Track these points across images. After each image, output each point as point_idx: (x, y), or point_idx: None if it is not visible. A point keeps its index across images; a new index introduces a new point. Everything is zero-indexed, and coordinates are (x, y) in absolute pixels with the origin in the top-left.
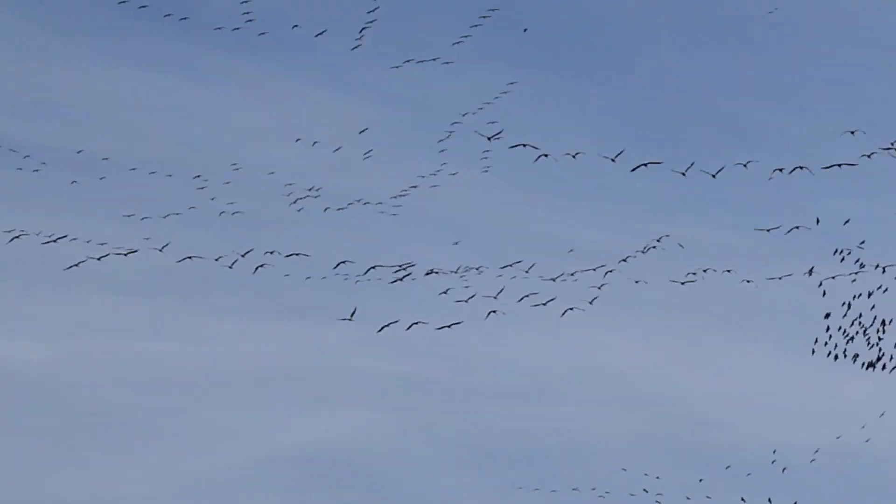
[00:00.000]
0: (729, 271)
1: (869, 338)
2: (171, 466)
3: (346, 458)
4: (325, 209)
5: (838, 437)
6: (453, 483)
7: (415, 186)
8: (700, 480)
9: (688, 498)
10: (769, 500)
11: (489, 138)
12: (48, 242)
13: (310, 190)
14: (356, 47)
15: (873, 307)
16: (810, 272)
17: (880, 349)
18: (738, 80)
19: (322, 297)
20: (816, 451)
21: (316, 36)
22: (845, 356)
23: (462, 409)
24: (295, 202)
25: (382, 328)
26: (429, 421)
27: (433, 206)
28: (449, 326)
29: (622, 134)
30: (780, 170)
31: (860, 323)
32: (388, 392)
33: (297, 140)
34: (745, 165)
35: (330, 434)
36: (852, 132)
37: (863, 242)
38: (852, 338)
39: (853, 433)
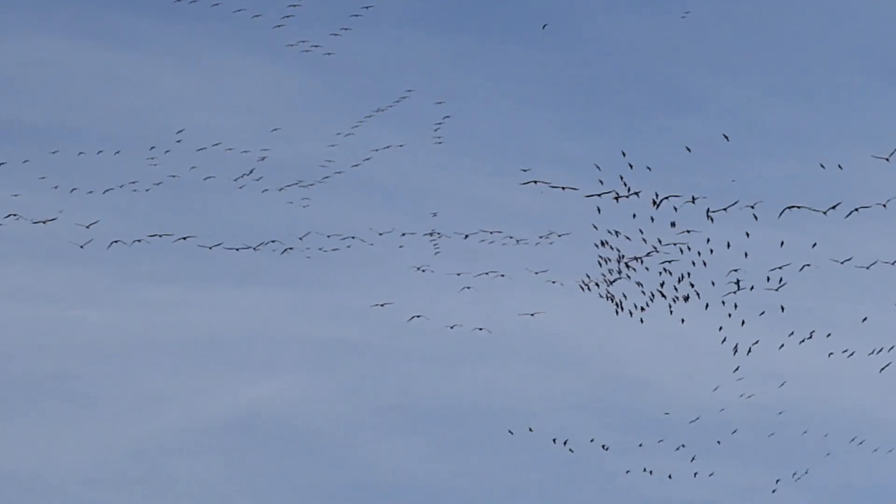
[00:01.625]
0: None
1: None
2: (108, 434)
3: (282, 423)
4: (264, 191)
5: (750, 396)
6: (389, 445)
7: (368, 158)
8: (640, 446)
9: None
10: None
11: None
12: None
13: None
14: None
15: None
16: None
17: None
18: (675, 45)
19: (256, 263)
20: (722, 410)
21: (252, 18)
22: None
23: (397, 372)
24: (241, 177)
25: (412, 317)
26: (364, 384)
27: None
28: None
29: (561, 99)
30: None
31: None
32: (323, 357)
33: (274, 130)
34: (752, 207)
35: (266, 399)
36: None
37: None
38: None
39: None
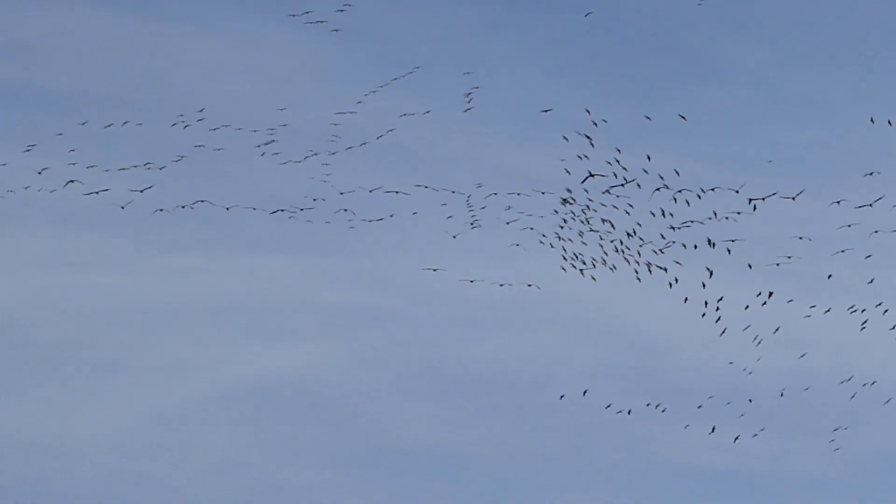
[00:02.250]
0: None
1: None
2: (130, 401)
3: (304, 390)
4: (284, 162)
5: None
6: (411, 412)
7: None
8: (663, 410)
9: (655, 406)
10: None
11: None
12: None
13: (271, 133)
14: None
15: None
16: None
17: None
18: (701, 12)
19: (279, 230)
20: (749, 374)
21: None
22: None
23: (420, 339)
24: (266, 144)
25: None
26: (387, 352)
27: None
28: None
29: (583, 65)
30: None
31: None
32: (346, 324)
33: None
34: (793, 199)
35: (289, 366)
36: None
37: None
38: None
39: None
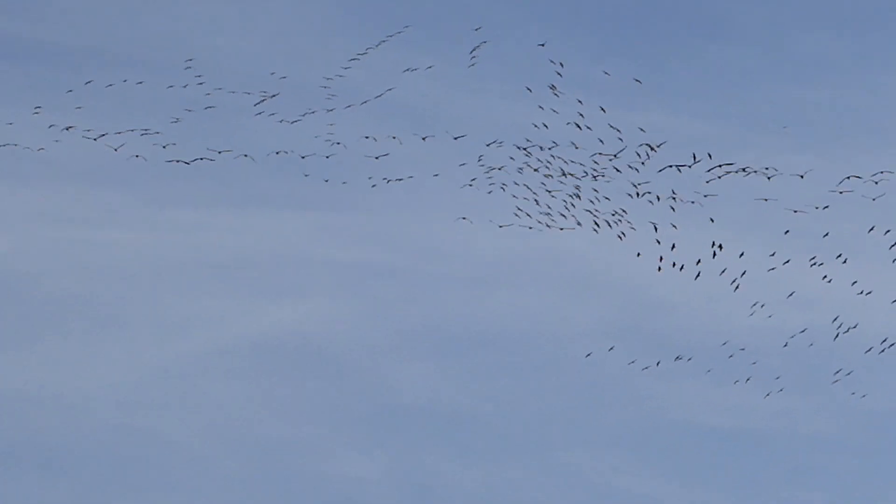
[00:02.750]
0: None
1: None
2: (132, 355)
3: (307, 347)
4: (281, 120)
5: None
6: (415, 369)
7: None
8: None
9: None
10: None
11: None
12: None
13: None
14: None
15: None
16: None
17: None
18: None
19: (282, 185)
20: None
21: None
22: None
23: (424, 296)
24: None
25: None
26: (390, 308)
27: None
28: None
29: (589, 24)
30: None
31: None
32: (349, 280)
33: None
34: (801, 176)
35: (291, 322)
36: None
37: None
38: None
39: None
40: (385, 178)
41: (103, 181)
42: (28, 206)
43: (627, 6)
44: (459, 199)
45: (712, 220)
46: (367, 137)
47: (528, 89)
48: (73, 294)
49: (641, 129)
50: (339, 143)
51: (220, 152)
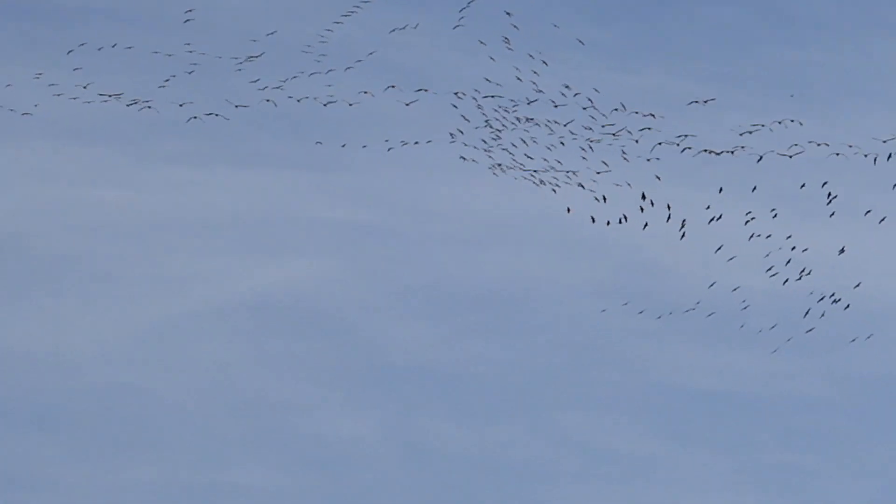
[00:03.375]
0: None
1: None
2: (127, 314)
3: (302, 305)
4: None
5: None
6: (409, 329)
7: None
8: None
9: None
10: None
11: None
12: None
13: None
14: None
15: None
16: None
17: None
18: None
19: (277, 144)
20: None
21: None
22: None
23: (418, 255)
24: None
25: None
26: (385, 268)
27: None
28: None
29: None
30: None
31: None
32: (344, 239)
33: None
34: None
35: (286, 281)
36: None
37: None
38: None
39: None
40: (402, 141)
41: (95, 139)
42: (18, 165)
43: None
44: (455, 160)
45: (658, 178)
46: (364, 93)
47: (482, 42)
48: (66, 253)
49: (596, 90)
50: (365, 94)
51: (211, 113)
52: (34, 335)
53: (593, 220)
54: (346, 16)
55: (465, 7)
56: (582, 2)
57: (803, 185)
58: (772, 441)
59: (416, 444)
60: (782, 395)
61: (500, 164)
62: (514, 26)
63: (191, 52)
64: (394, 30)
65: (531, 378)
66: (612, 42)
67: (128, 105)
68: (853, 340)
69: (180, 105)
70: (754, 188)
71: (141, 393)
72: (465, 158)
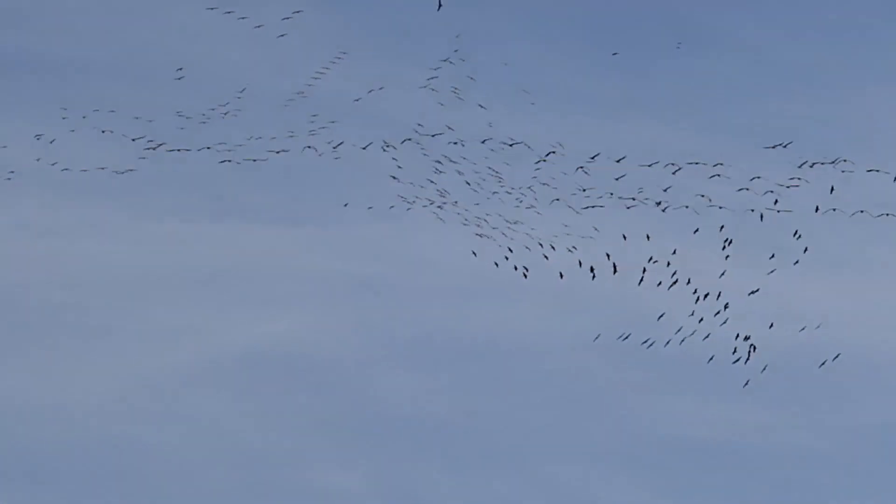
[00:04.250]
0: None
1: None
2: (119, 366)
3: (294, 358)
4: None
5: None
6: (402, 381)
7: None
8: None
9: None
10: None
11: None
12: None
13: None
14: None
15: None
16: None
17: None
18: None
19: (267, 197)
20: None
21: None
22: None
23: (410, 307)
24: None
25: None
26: (377, 320)
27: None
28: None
29: (577, 36)
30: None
31: None
32: (336, 291)
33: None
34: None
35: (278, 334)
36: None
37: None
38: None
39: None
40: (391, 206)
41: (90, 193)
42: (14, 218)
43: (614, 18)
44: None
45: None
46: (345, 143)
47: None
48: (61, 305)
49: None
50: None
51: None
52: (27, 388)
53: (593, 274)
54: (320, 72)
55: (438, 67)
56: (575, 54)
57: (696, 230)
58: (762, 492)
59: (407, 495)
60: (775, 446)
61: (438, 204)
62: (471, 77)
63: (180, 115)
64: (371, 90)
65: (523, 430)
66: (604, 94)
67: (119, 173)
68: (822, 364)
69: (177, 151)
70: (696, 230)
71: (134, 444)
72: (404, 198)
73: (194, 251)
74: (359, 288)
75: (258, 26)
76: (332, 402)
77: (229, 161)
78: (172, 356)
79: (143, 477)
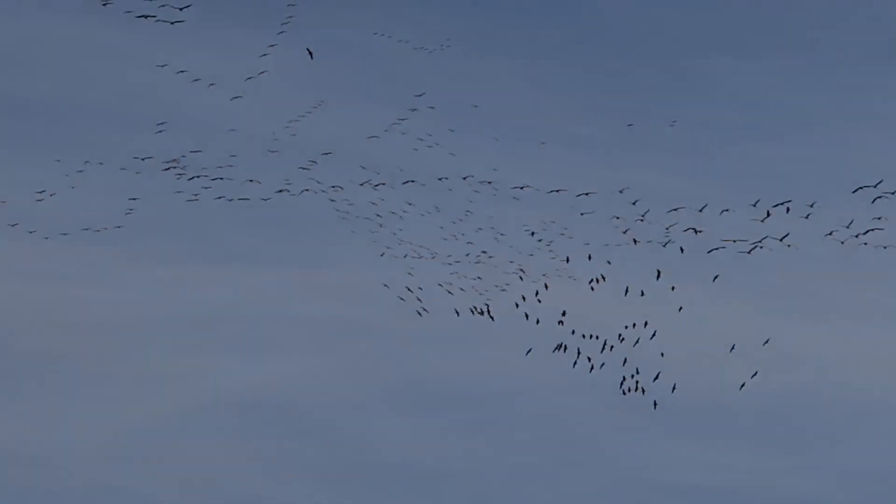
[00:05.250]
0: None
1: None
2: (111, 413)
3: (286, 404)
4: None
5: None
6: (394, 426)
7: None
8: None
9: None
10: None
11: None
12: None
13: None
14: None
15: None
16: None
17: None
18: (685, 26)
19: (260, 241)
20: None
21: None
22: None
23: (404, 353)
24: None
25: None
26: (370, 366)
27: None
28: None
29: (571, 80)
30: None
31: None
32: (327, 337)
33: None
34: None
35: (270, 379)
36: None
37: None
38: None
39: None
40: (386, 246)
41: (81, 238)
42: (7, 263)
43: (607, 62)
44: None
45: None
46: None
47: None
48: (52, 351)
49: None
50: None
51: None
52: (18, 433)
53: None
54: (302, 116)
55: (409, 110)
56: (568, 99)
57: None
58: None
59: None
60: (770, 490)
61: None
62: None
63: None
64: (371, 136)
65: (515, 475)
66: (595, 139)
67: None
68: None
69: (177, 190)
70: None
71: (125, 491)
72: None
73: (185, 296)
74: (349, 332)
75: (235, 97)
76: (326, 448)
77: (223, 198)
78: (164, 402)
79: None
